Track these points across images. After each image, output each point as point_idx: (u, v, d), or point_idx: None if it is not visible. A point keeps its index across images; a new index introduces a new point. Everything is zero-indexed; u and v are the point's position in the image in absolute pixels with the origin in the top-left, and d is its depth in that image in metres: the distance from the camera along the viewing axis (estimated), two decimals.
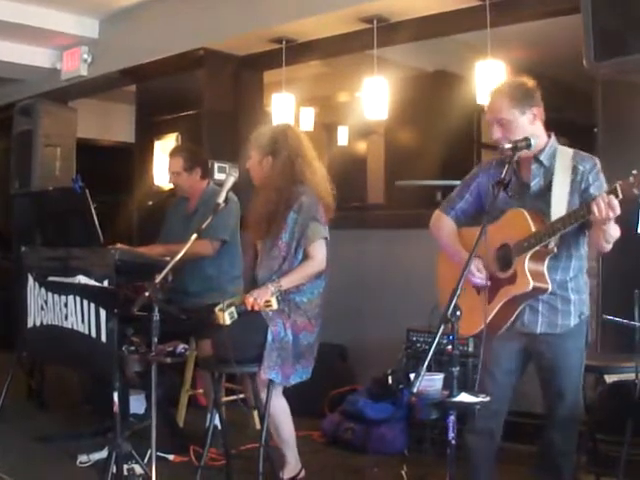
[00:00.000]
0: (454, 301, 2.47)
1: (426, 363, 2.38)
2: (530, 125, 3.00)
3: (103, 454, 3.90)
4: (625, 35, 3.38)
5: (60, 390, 5.37)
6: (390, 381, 4.53)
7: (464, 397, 2.58)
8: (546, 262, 2.89)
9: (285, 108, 6.27)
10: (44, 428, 4.61)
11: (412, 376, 2.46)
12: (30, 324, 4.66)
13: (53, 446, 4.33)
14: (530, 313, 2.98)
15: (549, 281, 2.89)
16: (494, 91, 3.07)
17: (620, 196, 2.60)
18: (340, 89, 9.07)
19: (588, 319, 3.05)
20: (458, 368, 2.57)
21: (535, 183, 3.01)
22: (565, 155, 2.98)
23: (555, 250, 2.87)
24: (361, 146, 10.39)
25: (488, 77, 5.02)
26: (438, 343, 2.44)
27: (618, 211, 2.63)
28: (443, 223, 3.26)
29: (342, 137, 10.12)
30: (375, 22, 5.37)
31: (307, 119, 8.63)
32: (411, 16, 5.29)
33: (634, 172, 2.54)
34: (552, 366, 2.99)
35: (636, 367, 3.23)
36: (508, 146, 2.90)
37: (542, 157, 3.00)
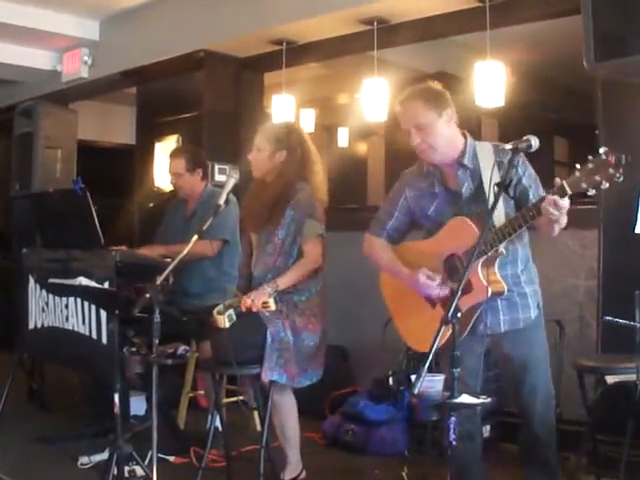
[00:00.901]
0: (455, 302, 2.46)
1: (427, 364, 2.38)
2: (447, 128, 2.96)
3: (104, 455, 3.91)
4: (625, 36, 3.38)
5: (61, 391, 5.37)
6: (391, 382, 4.54)
7: (465, 398, 2.58)
8: (496, 264, 2.87)
9: (285, 109, 6.27)
10: (45, 429, 4.61)
11: (413, 377, 2.45)
12: (31, 326, 4.67)
13: (54, 447, 4.34)
14: (491, 314, 2.95)
15: (503, 282, 2.88)
16: (405, 99, 3.01)
17: (569, 193, 2.56)
18: (340, 90, 9.07)
19: (553, 316, 3.11)
20: (459, 369, 2.57)
21: (465, 188, 2.97)
22: (486, 152, 2.94)
23: (504, 252, 2.85)
24: (361, 147, 10.39)
25: (488, 78, 5.03)
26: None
27: (567, 207, 2.60)
28: (377, 246, 3.22)
29: (342, 138, 10.12)
30: (375, 24, 5.38)
31: (307, 120, 8.63)
32: (411, 17, 5.29)
33: (578, 166, 2.51)
34: (522, 363, 2.99)
35: (637, 368, 3.24)
36: (509, 147, 2.80)
37: (465, 160, 2.97)
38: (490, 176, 2.72)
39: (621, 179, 2.43)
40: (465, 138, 3.01)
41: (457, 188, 2.99)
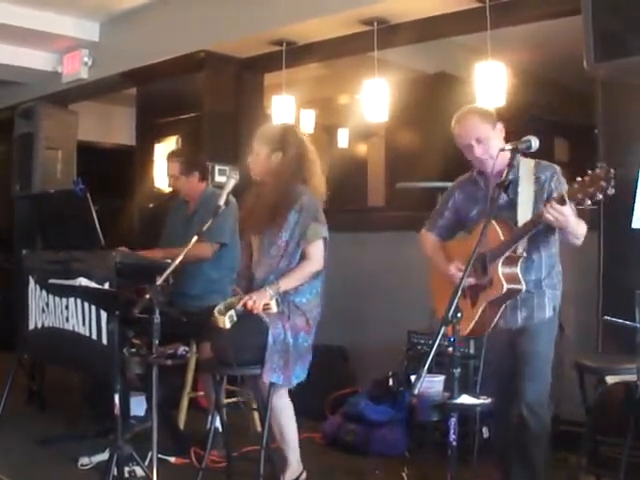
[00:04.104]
0: (455, 303, 2.54)
1: (427, 365, 2.40)
2: (500, 140, 3.20)
3: (104, 456, 3.90)
4: (625, 36, 3.38)
5: (61, 392, 5.37)
6: (391, 383, 4.54)
7: (465, 399, 2.59)
8: (519, 265, 3.10)
9: (285, 110, 6.28)
10: (45, 430, 4.61)
11: (413, 378, 2.46)
12: (31, 326, 4.66)
13: (54, 448, 4.33)
14: (511, 312, 3.19)
15: (523, 282, 3.10)
16: (461, 117, 3.24)
17: (567, 202, 2.83)
18: (340, 91, 9.08)
19: (560, 311, 3.26)
20: (459, 370, 2.59)
21: (503, 201, 3.17)
22: (527, 167, 3.18)
23: (524, 254, 3.10)
24: (362, 148, 10.40)
25: (488, 79, 5.03)
26: (439, 345, 2.46)
27: (567, 214, 2.87)
28: (428, 241, 3.53)
29: (342, 139, 10.13)
30: (375, 24, 5.38)
31: (307, 121, 8.64)
32: (411, 18, 5.29)
33: (578, 179, 2.77)
34: (522, 353, 3.17)
35: (637, 368, 3.24)
36: (509, 147, 3.04)
37: (509, 177, 3.12)
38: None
39: (612, 191, 2.69)
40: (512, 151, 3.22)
41: (495, 195, 3.17)
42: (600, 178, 2.69)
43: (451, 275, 3.23)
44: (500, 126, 3.23)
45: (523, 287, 3.10)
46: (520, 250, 3.08)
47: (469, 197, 3.35)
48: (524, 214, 3.07)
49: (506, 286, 3.05)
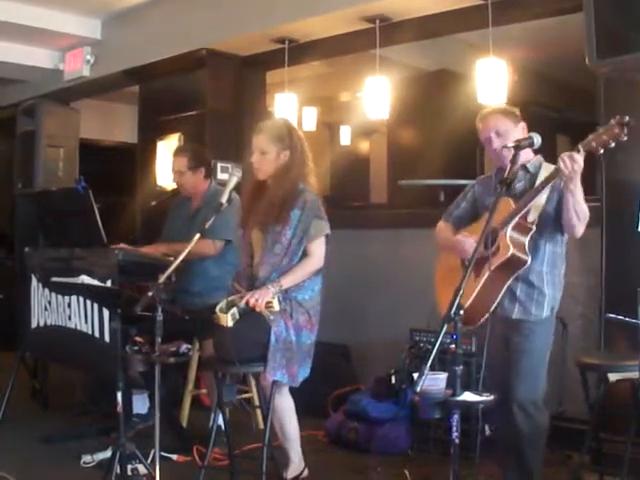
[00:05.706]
0: (457, 300, 2.51)
1: (429, 362, 2.40)
2: (521, 137, 3.18)
3: (107, 454, 3.91)
4: (627, 33, 3.38)
5: (63, 390, 5.38)
6: (393, 381, 4.53)
7: (467, 396, 2.59)
8: (528, 236, 3.10)
9: (288, 108, 6.27)
10: (47, 428, 4.61)
11: (415, 375, 2.46)
12: (34, 325, 4.67)
13: (57, 446, 4.34)
14: (509, 299, 3.18)
15: (529, 254, 3.08)
16: (484, 114, 3.36)
17: (581, 151, 2.88)
18: (342, 89, 9.08)
19: (557, 314, 3.27)
20: (461, 367, 2.59)
21: (520, 185, 3.24)
22: (549, 170, 3.16)
23: (535, 224, 3.10)
24: (364, 145, 10.39)
25: (490, 76, 5.02)
26: (441, 342, 2.46)
27: (581, 164, 2.88)
28: (442, 227, 3.55)
29: (345, 137, 10.12)
30: (377, 22, 5.37)
31: (310, 119, 8.63)
32: (413, 15, 5.29)
33: (599, 129, 2.85)
34: (518, 348, 3.17)
35: (639, 365, 3.23)
36: (511, 144, 3.02)
37: (529, 165, 3.25)
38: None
39: (624, 139, 2.78)
40: (535, 154, 3.31)
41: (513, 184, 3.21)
42: (614, 126, 2.77)
43: (458, 241, 3.27)
44: (523, 125, 3.28)
45: (528, 259, 3.08)
46: (531, 219, 3.10)
47: (486, 190, 3.41)
48: (536, 207, 3.11)
49: (512, 250, 3.03)
